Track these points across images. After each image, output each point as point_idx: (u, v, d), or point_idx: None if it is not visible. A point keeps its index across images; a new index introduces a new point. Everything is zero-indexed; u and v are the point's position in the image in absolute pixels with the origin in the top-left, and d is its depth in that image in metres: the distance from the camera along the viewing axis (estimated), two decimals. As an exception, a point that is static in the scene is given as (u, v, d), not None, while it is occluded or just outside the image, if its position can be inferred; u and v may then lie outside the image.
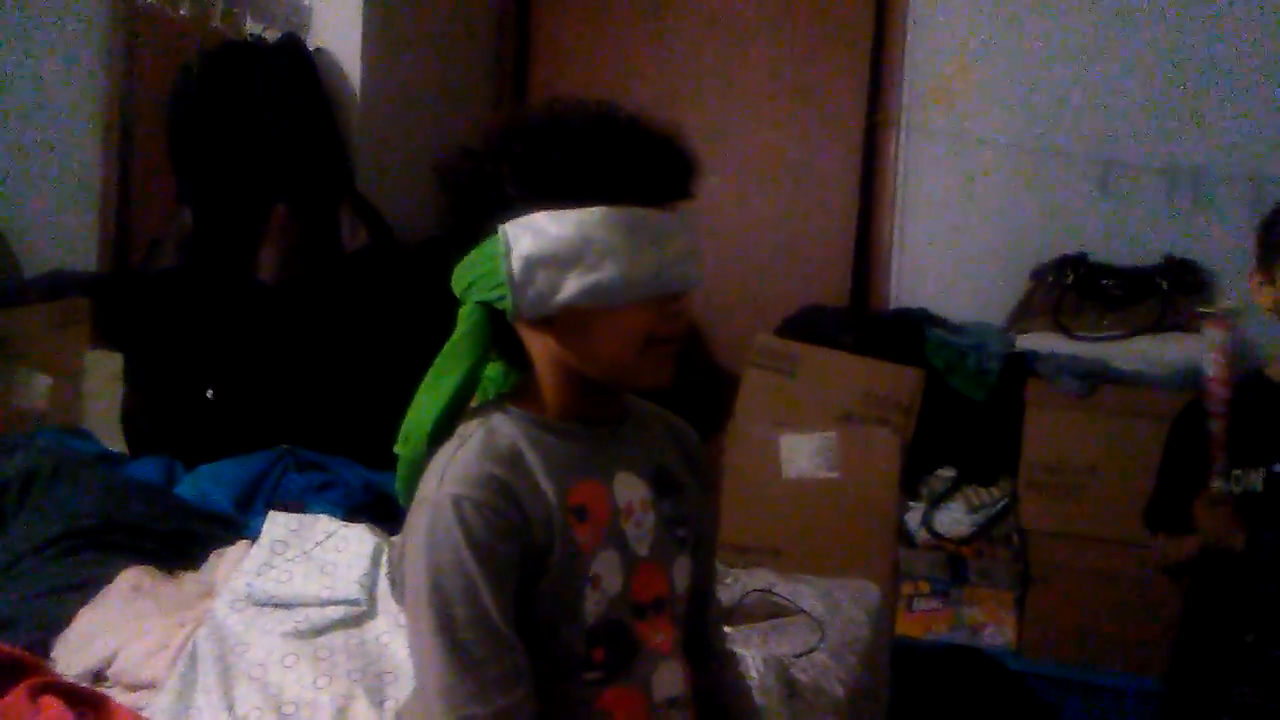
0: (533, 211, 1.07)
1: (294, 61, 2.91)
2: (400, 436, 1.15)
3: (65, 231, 3.51)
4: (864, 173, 3.23)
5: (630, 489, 1.16)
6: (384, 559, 1.76)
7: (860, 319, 3.01)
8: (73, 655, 1.71)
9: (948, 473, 2.70)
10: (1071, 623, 2.45)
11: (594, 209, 1.06)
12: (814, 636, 1.90)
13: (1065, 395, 2.50)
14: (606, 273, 1.06)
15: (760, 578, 2.20)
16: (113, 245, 3.47)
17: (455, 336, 1.14)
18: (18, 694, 1.33)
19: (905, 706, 2.16)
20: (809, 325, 2.91)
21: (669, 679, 1.17)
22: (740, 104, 3.37)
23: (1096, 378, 2.50)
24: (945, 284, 3.07)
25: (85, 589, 1.84)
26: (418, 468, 1.11)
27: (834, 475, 2.63)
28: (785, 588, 2.13)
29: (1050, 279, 2.79)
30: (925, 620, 2.56)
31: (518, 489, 1.06)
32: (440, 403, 1.12)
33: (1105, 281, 2.71)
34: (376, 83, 3.07)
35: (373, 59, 3.05)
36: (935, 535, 2.61)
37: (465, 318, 1.14)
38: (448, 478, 1.05)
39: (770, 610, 2.03)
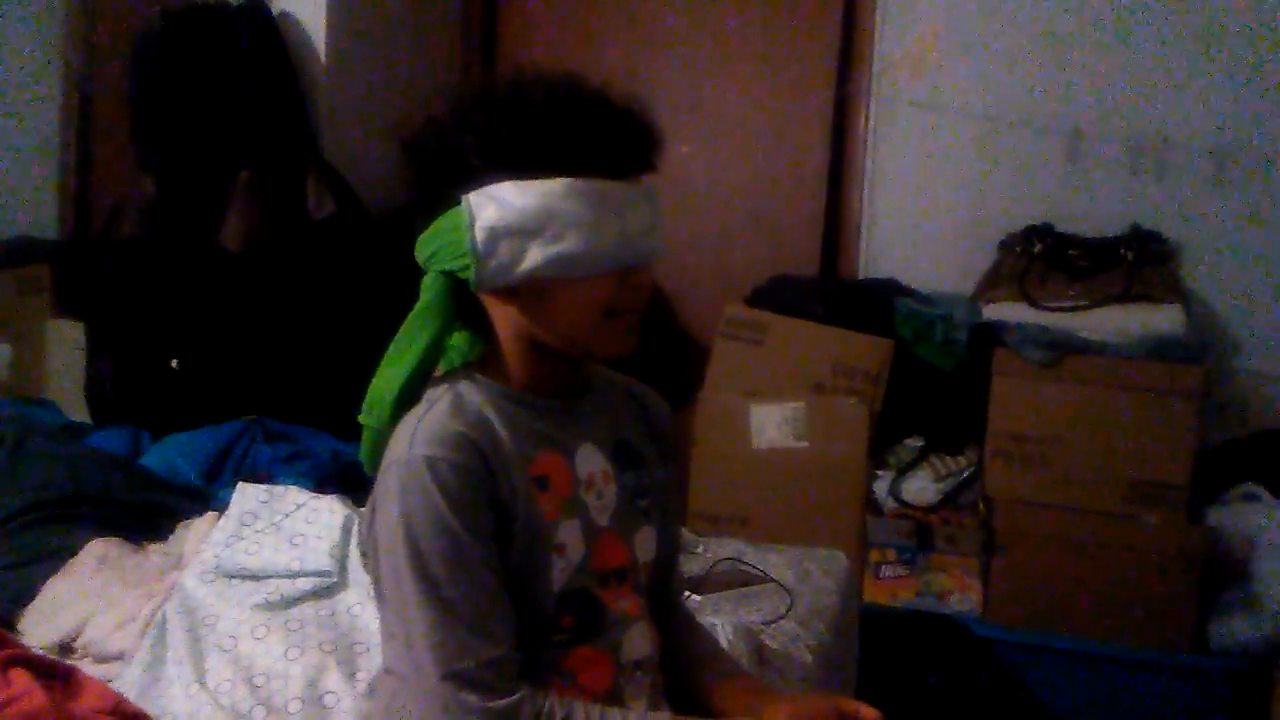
0: (496, 182, 1.08)
1: (257, 25, 2.85)
2: (365, 405, 1.16)
3: (25, 198, 3.44)
4: (834, 142, 3.23)
5: (591, 461, 1.18)
6: (354, 530, 1.76)
7: (829, 289, 3.01)
8: (40, 627, 1.69)
9: (915, 442, 2.72)
10: (1036, 589, 2.49)
11: (557, 180, 1.07)
12: (783, 604, 1.92)
13: (1031, 365, 2.52)
14: (569, 244, 1.07)
15: (730, 547, 2.22)
16: (74, 212, 3.42)
17: (418, 306, 1.15)
18: (-14, 667, 1.31)
19: (873, 672, 2.19)
20: (778, 295, 2.91)
21: (637, 642, 1.19)
22: (710, 73, 3.36)
23: (1062, 347, 2.52)
24: (913, 254, 3.08)
25: (52, 560, 1.83)
26: (383, 436, 1.12)
27: (803, 445, 2.64)
28: (755, 556, 2.15)
29: (1017, 249, 2.80)
30: (892, 587, 2.59)
31: (487, 451, 1.07)
32: (405, 372, 1.13)
33: (1071, 252, 2.73)
34: (342, 49, 3.02)
35: (337, 24, 3.00)
36: (902, 503, 2.64)
37: (428, 287, 1.15)
38: (418, 439, 1.07)
39: (740, 579, 2.05)
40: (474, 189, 1.09)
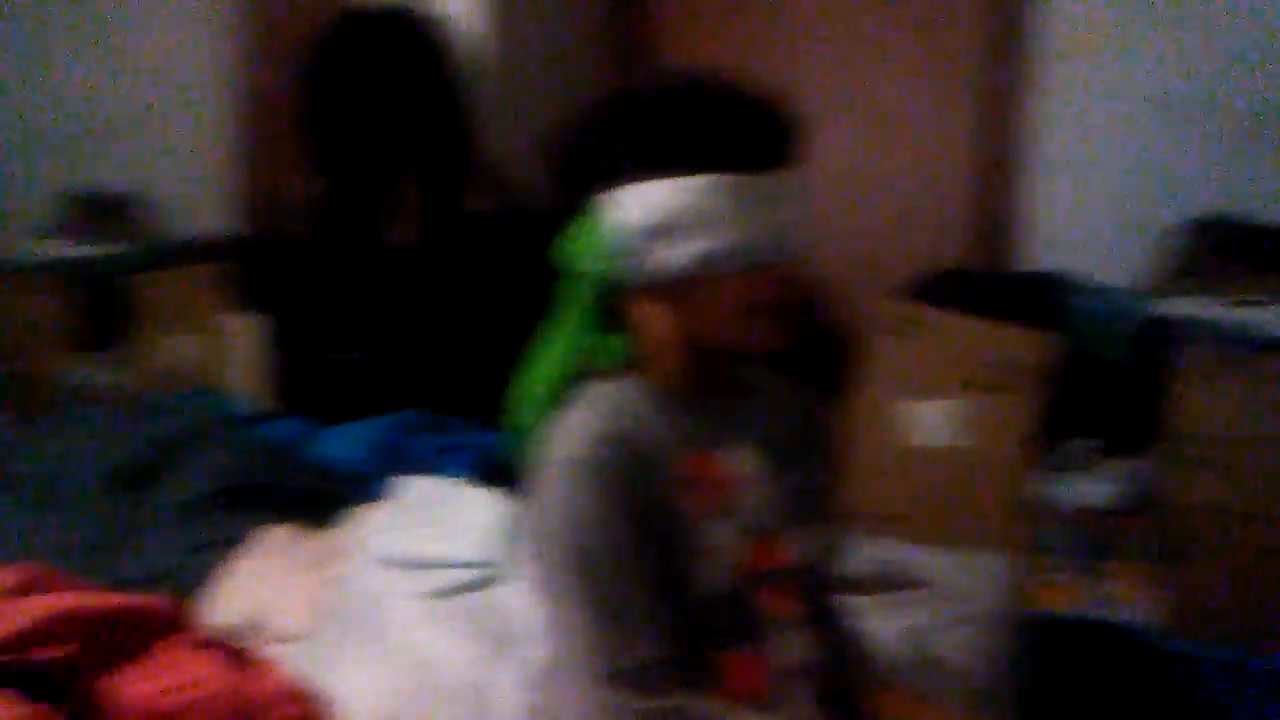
0: (639, 182, 1.07)
1: (420, 29, 2.93)
2: (510, 405, 1.18)
3: (206, 198, 3.64)
4: (993, 128, 3.12)
5: (745, 461, 1.17)
6: (511, 522, 1.78)
7: (989, 281, 2.91)
8: (219, 609, 1.78)
9: (1087, 442, 2.60)
10: (1224, 601, 2.34)
11: (701, 177, 1.07)
12: (942, 608, 1.86)
13: (1215, 363, 2.37)
14: (714, 240, 1.07)
15: (886, 548, 2.17)
16: (252, 211, 3.59)
17: (562, 307, 1.16)
18: (171, 647, 1.39)
19: (1039, 681, 2.10)
20: (934, 288, 2.83)
21: (793, 648, 1.17)
22: (860, 62, 3.28)
23: (1250, 344, 2.37)
24: (1081, 245, 2.95)
25: (228, 546, 1.92)
26: (529, 435, 1.14)
27: (960, 442, 2.56)
28: (912, 558, 2.09)
29: (1196, 240, 2.65)
30: (1060, 593, 2.48)
31: (641, 451, 1.08)
32: (549, 372, 1.15)
33: (1258, 242, 2.56)
34: (500, 48, 3.08)
35: (496, 24, 3.06)
36: (1073, 507, 2.53)
37: (572, 288, 1.16)
38: (574, 440, 1.08)
39: (898, 581, 2.00)
40: (617, 189, 1.09)
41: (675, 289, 1.11)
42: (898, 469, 2.60)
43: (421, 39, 2.92)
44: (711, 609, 1.12)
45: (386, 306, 2.76)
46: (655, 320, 1.14)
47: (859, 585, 1.96)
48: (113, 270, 3.43)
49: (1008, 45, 3.07)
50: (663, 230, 1.07)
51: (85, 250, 3.55)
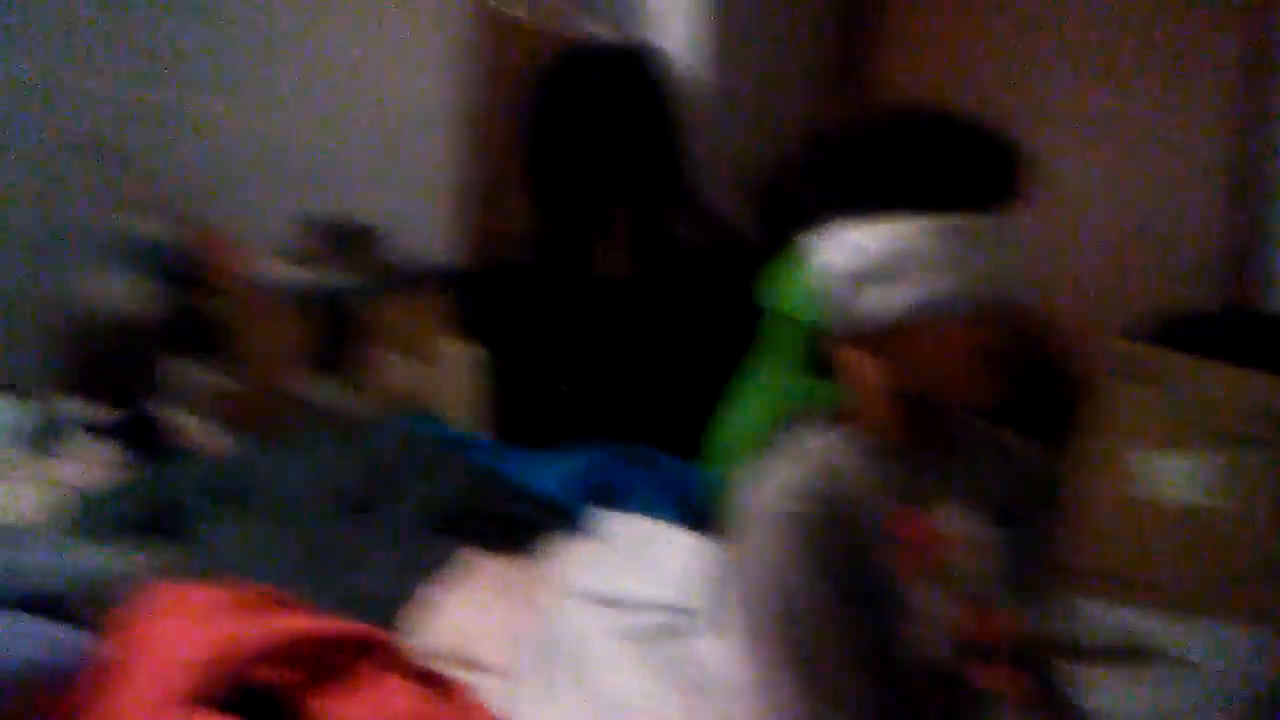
0: (848, 225, 1.01)
1: (634, 61, 2.97)
2: (711, 451, 1.14)
3: (431, 230, 3.79)
4: (1243, 156, 2.86)
5: (959, 520, 1.10)
6: (713, 570, 1.74)
7: (1243, 322, 2.66)
8: (422, 634, 1.81)
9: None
10: None
11: (913, 221, 0.99)
12: (1188, 685, 1.69)
13: None
14: (930, 287, 1.00)
15: (1119, 614, 2.00)
16: (472, 243, 3.72)
17: (765, 351, 1.11)
18: (379, 672, 1.41)
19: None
20: (1178, 329, 2.61)
21: None
22: (1103, 85, 3.09)
23: None
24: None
25: (440, 570, 1.95)
26: (730, 482, 1.09)
27: (1210, 500, 2.34)
28: (1151, 627, 1.92)
29: None
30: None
31: (849, 509, 1.03)
32: (753, 418, 1.10)
33: None
34: (717, 79, 3.07)
35: (711, 55, 3.05)
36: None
37: (775, 332, 1.11)
38: (780, 494, 1.03)
39: (1132, 652, 1.84)
40: (824, 232, 1.03)
41: (887, 338, 1.04)
42: (1136, 528, 2.39)
43: (639, 72, 2.95)
44: (923, 681, 1.04)
45: (596, 338, 2.79)
46: (865, 369, 1.08)
47: (1091, 656, 1.81)
48: (347, 297, 3.61)
49: (1262, 67, 2.82)
50: (874, 276, 1.01)
51: (323, 276, 3.76)
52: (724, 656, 1.57)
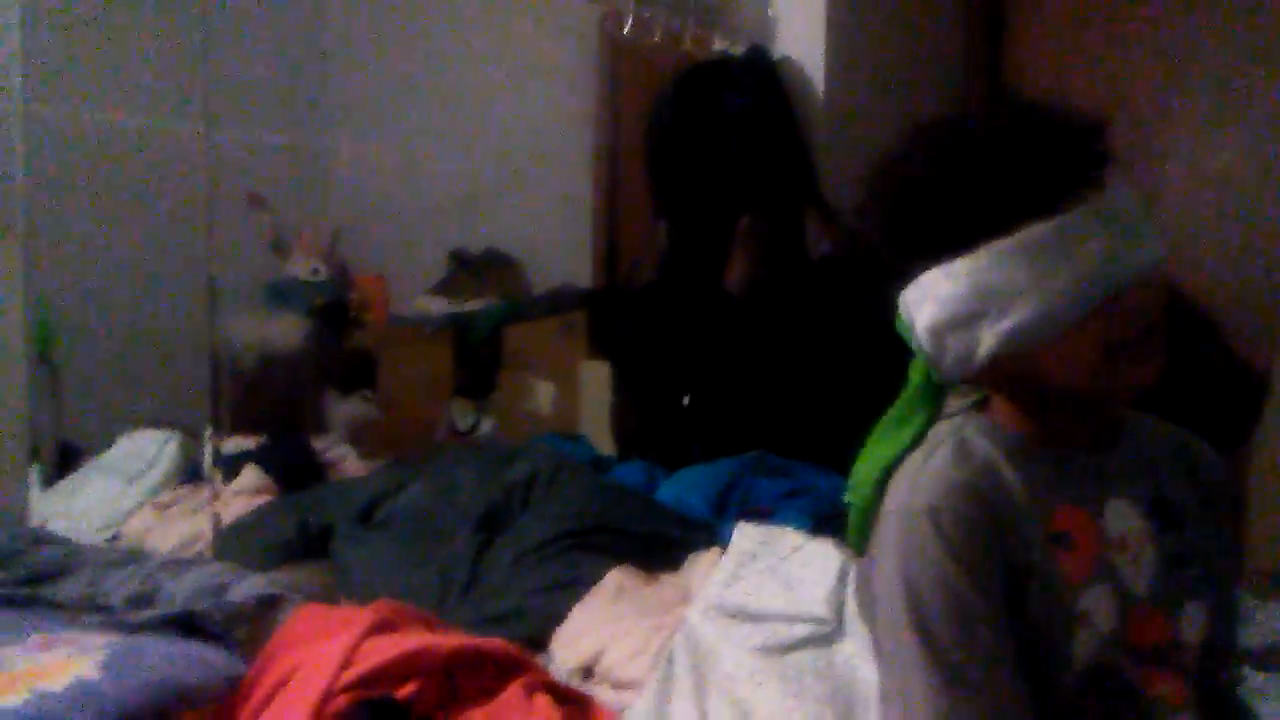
0: (924, 271, 0.98)
1: (760, 73, 2.95)
2: (850, 483, 1.09)
3: (564, 250, 3.85)
4: None
5: (1124, 519, 1.01)
6: (851, 576, 1.69)
7: None
8: (565, 650, 1.82)
9: None
10: None
11: (982, 252, 0.94)
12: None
13: None
14: (1016, 315, 0.94)
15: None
16: (604, 263, 3.76)
17: (909, 389, 1.07)
18: (513, 690, 1.42)
19: None
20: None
21: None
22: (1259, 58, 2.90)
23: None
24: None
25: (576, 587, 1.96)
26: (868, 516, 1.04)
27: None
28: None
29: None
30: None
31: (996, 504, 0.97)
32: (892, 454, 1.05)
33: None
34: (840, 86, 3.02)
35: (836, 62, 3.00)
36: None
37: (916, 369, 1.06)
38: (919, 488, 0.98)
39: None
40: (907, 284, 1.00)
41: (1005, 365, 0.98)
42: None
43: (767, 84, 2.93)
44: (1083, 687, 0.97)
45: (723, 350, 2.77)
46: (1004, 384, 1.03)
47: (1263, 660, 1.68)
48: (487, 322, 3.70)
49: None
50: (960, 323, 0.96)
51: (465, 305, 3.86)
52: (866, 666, 1.52)
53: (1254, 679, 1.60)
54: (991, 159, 0.96)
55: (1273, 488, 2.29)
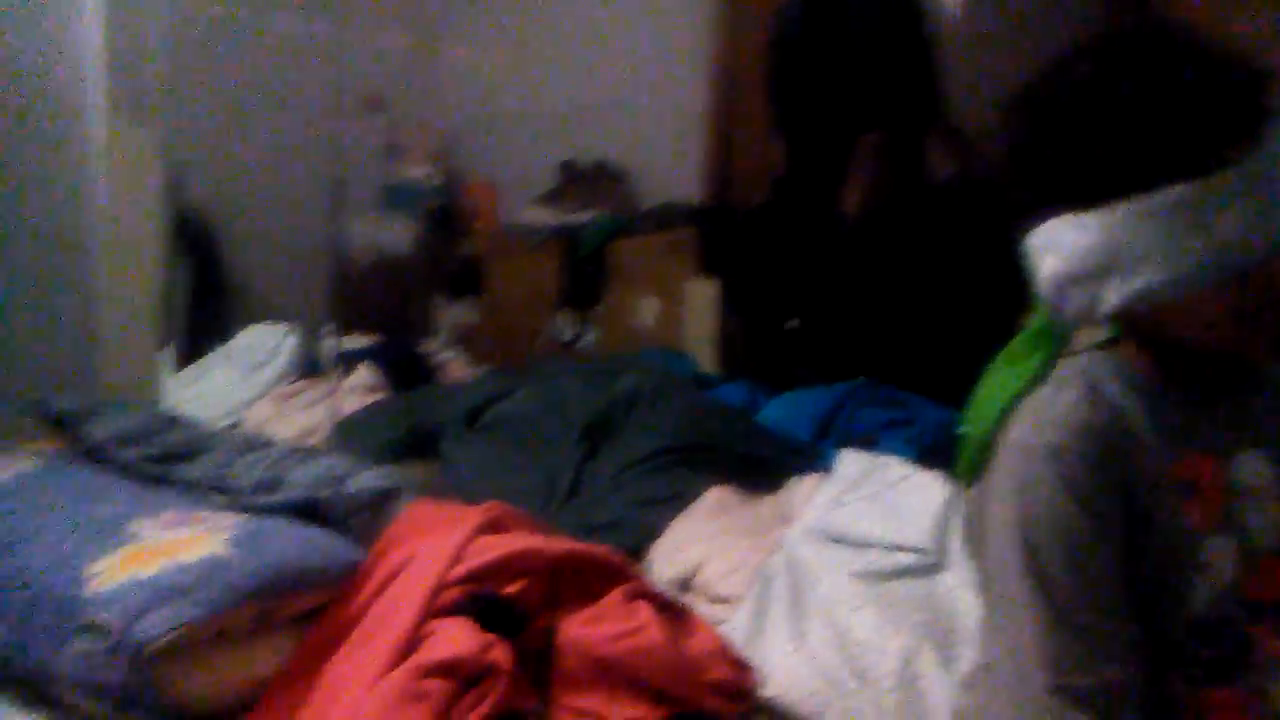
0: (1054, 216, 0.94)
1: (889, -10, 2.85)
2: (968, 415, 1.07)
3: (675, 167, 3.81)
4: None
5: (1255, 470, 0.98)
6: (957, 508, 1.68)
7: None
8: (664, 563, 1.85)
9: None
10: None
11: (1118, 208, 0.90)
12: None
13: None
14: (1143, 278, 0.90)
15: None
16: (716, 180, 3.71)
17: (1036, 322, 1.04)
18: (615, 596, 1.45)
19: None
20: None
21: None
22: None
23: None
24: None
25: (676, 502, 1.99)
26: (984, 449, 1.02)
27: None
28: None
29: None
30: None
31: (1121, 446, 0.95)
32: (1015, 388, 1.03)
33: None
34: (976, 4, 2.90)
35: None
36: None
37: (1038, 309, 1.03)
38: (1043, 424, 0.96)
39: None
40: (1034, 224, 0.96)
41: (1129, 319, 0.95)
42: None
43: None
44: (1199, 637, 0.96)
45: (836, 274, 2.73)
46: (1131, 331, 1.00)
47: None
48: (595, 236, 3.71)
49: None
50: (1086, 277, 0.93)
51: (573, 217, 3.87)
52: (969, 598, 1.52)
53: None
54: (1144, 102, 0.92)
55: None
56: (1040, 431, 0.96)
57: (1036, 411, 0.98)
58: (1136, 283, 0.91)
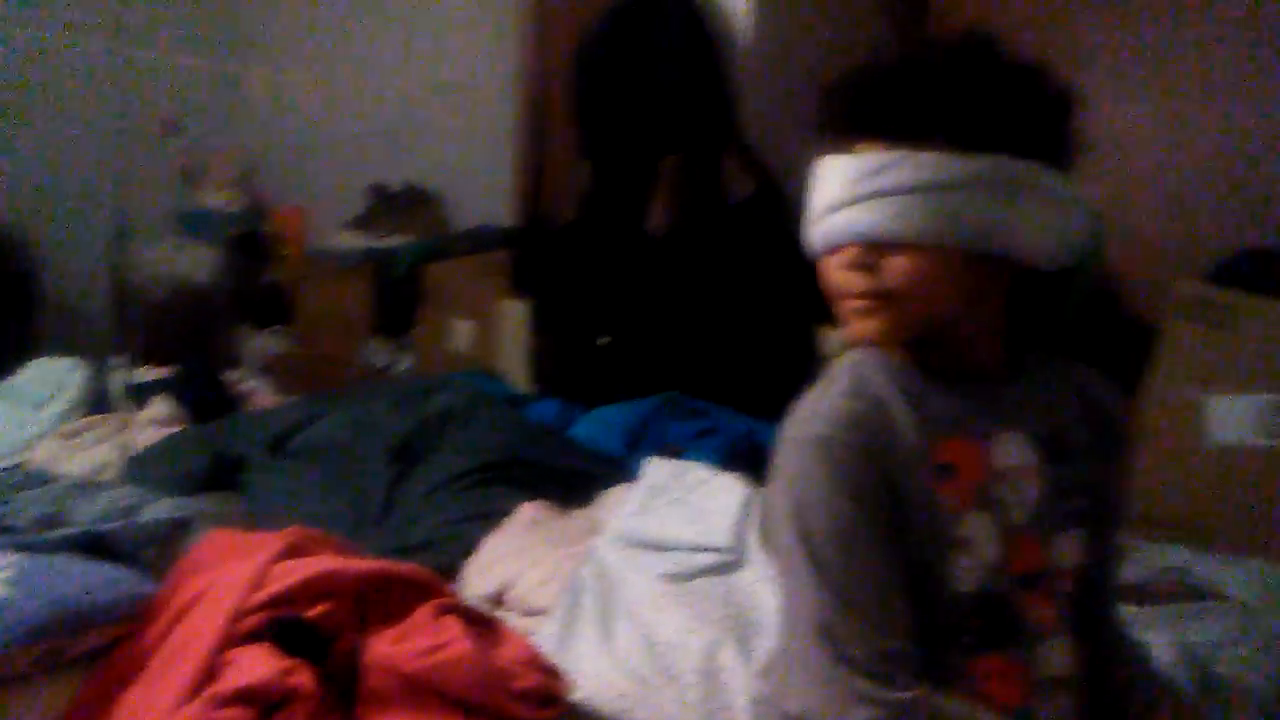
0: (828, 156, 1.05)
1: (686, 14, 2.95)
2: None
3: (486, 189, 3.82)
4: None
5: (1013, 452, 1.07)
6: (754, 507, 1.75)
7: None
8: (477, 579, 1.85)
9: None
10: None
11: (822, 155, 1.04)
12: (1231, 623, 1.66)
13: None
14: (815, 219, 1.04)
15: (1176, 555, 1.96)
16: (527, 200, 3.74)
17: None
18: (423, 612, 1.44)
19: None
20: (1249, 271, 2.53)
21: (1055, 658, 1.07)
22: (1175, 18, 2.98)
23: None
24: None
25: (491, 519, 1.99)
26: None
27: (1273, 443, 2.28)
28: (1206, 568, 1.89)
29: None
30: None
31: (883, 433, 1.02)
32: None
33: None
34: (765, 27, 3.03)
35: (761, 6, 3.01)
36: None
37: None
38: (813, 417, 1.03)
39: (1187, 592, 1.81)
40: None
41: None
42: (1197, 469, 2.34)
43: (685, 24, 2.93)
44: (967, 609, 1.03)
45: (643, 291, 2.79)
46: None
47: (1141, 594, 1.78)
48: (406, 260, 3.67)
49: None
50: (814, 211, 1.05)
51: (384, 241, 3.82)
52: (765, 590, 1.59)
53: (1131, 612, 1.69)
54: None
55: (1154, 436, 2.41)
56: (810, 425, 1.02)
57: (808, 407, 1.05)
58: (814, 221, 1.04)
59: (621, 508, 1.87)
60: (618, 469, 2.23)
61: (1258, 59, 2.87)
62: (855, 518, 0.99)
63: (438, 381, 2.71)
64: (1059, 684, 1.07)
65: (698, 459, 2.08)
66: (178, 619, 1.37)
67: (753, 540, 1.69)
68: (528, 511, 2.01)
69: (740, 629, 1.50)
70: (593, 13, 3.04)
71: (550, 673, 1.46)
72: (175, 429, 2.54)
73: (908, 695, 0.96)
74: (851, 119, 1.03)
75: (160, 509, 1.56)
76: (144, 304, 3.11)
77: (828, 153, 1.04)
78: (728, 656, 1.45)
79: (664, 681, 1.42)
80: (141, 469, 2.13)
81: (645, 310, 2.80)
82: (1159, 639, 1.49)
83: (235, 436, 2.35)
